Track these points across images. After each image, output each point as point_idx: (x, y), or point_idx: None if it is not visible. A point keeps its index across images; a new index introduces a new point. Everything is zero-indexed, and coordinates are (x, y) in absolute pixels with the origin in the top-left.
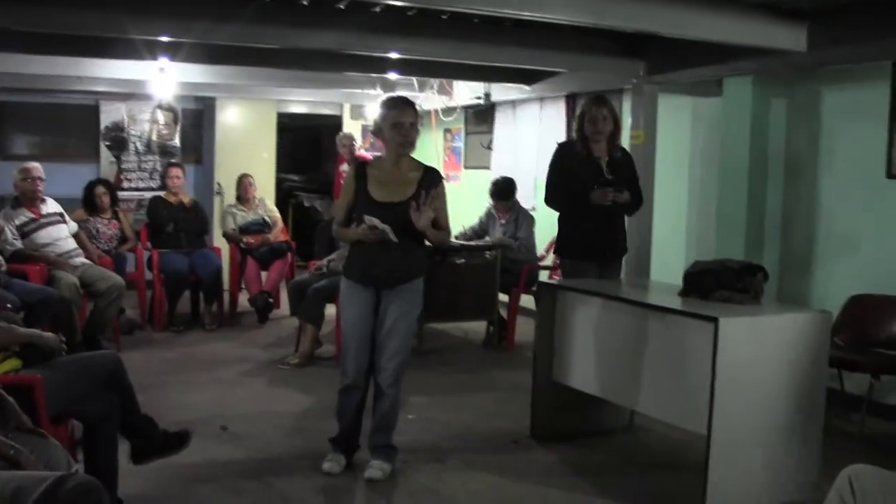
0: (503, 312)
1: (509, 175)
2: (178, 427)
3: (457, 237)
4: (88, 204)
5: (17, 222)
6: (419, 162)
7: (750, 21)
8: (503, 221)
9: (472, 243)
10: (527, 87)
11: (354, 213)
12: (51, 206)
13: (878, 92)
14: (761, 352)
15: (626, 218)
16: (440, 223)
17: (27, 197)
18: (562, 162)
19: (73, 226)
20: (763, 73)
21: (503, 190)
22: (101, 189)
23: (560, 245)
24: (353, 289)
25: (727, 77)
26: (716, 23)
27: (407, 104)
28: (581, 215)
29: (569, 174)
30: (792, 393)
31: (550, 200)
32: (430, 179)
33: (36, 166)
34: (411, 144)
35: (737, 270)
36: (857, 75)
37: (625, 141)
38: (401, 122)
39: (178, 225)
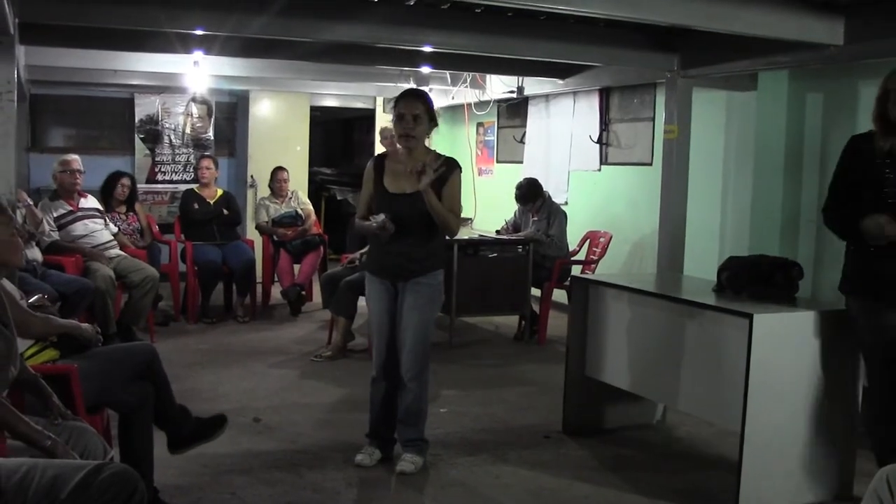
0: (535, 307)
1: (542, 169)
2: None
3: (498, 231)
4: (106, 195)
5: (55, 214)
6: (437, 153)
7: (785, 14)
8: (535, 218)
9: (504, 237)
10: (560, 81)
11: (373, 206)
12: (90, 202)
13: None
14: (796, 349)
15: None
16: (449, 207)
17: (66, 189)
18: (851, 164)
19: (113, 227)
20: (799, 67)
21: (525, 194)
22: (126, 180)
23: (845, 279)
24: (371, 281)
25: (762, 71)
26: (751, 16)
27: (415, 96)
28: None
29: (861, 180)
30: (827, 391)
31: (827, 218)
32: (446, 168)
33: (75, 158)
34: (412, 138)
35: (771, 266)
36: None
37: (658, 136)
38: (402, 113)
39: (210, 217)
